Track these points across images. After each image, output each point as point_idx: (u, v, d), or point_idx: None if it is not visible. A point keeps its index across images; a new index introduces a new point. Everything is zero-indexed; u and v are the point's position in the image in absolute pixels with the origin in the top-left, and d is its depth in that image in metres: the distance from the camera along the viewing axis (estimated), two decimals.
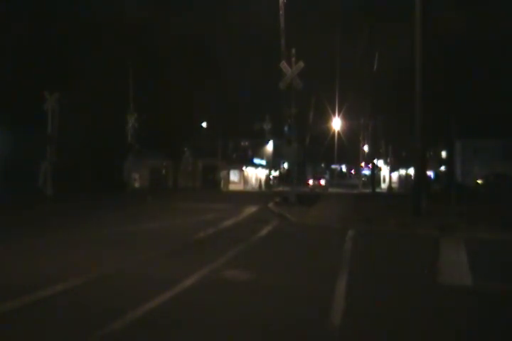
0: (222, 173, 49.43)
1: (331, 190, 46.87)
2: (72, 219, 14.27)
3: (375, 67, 33.04)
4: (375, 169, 46.01)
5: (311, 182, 48.80)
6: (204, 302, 5.47)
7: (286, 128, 21.54)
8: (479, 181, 42.84)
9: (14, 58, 23.98)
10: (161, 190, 37.59)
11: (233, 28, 36.64)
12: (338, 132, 51.12)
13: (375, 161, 43.71)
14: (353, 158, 61.34)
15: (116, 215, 15.52)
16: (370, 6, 33.06)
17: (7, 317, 4.79)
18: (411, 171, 41.28)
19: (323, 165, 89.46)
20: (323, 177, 55.02)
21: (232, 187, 48.94)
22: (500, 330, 4.76)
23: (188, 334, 4.47)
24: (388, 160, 52.29)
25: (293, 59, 19.72)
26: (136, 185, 39.91)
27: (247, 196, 31.91)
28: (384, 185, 55.04)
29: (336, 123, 49.01)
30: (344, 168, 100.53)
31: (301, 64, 19.17)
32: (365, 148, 49.25)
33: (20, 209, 16.76)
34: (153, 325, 4.64)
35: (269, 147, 58.39)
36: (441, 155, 44.23)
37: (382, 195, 36.64)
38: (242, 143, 55.01)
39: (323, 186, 47.18)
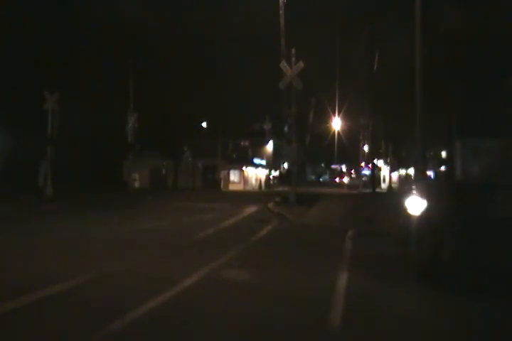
0: (222, 173, 49.43)
1: (331, 190, 47.15)
2: (72, 219, 14.27)
3: (375, 67, 33.01)
4: (375, 169, 45.99)
5: (337, 179, 70.20)
6: (204, 303, 5.47)
7: (286, 128, 21.57)
8: None
9: (14, 58, 23.97)
10: (161, 189, 37.59)
11: (233, 28, 36.62)
12: (338, 132, 51.06)
13: (375, 161, 43.66)
14: (353, 158, 61.54)
15: (116, 215, 15.51)
16: (371, 5, 33.01)
17: (7, 317, 4.80)
18: (411, 171, 41.26)
19: (323, 165, 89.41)
20: (345, 177, 74.50)
21: (232, 187, 48.92)
22: None
23: (187, 335, 4.48)
24: (388, 160, 52.26)
25: (293, 59, 19.73)
26: (136, 184, 39.92)
27: (247, 196, 31.91)
28: (384, 185, 55.00)
29: (336, 123, 48.97)
30: (344, 168, 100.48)
31: (301, 64, 19.17)
32: (365, 148, 49.20)
33: (20, 209, 16.76)
34: (154, 325, 4.64)
35: (269, 147, 58.35)
36: (441, 155, 44.17)
37: (382, 194, 36.63)
38: (242, 143, 54.94)
39: (345, 183, 60.07)
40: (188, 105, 36.41)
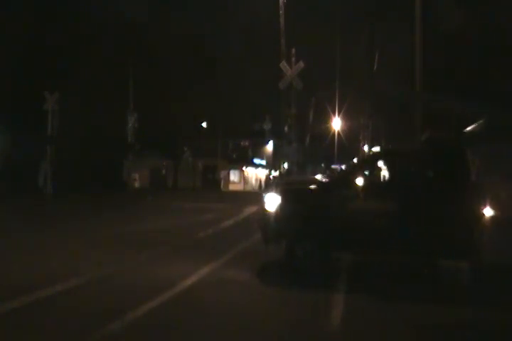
0: (222, 173, 49.43)
1: None
2: (72, 219, 14.25)
3: (375, 67, 32.97)
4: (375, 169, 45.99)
5: None
6: (204, 303, 5.48)
7: (286, 128, 21.58)
8: None
9: (14, 58, 23.97)
10: (161, 189, 37.59)
11: (233, 28, 36.63)
12: (338, 132, 51.07)
13: None
14: (353, 158, 61.36)
15: (116, 215, 15.51)
16: (371, 5, 32.98)
17: (7, 317, 4.79)
18: None
19: (323, 165, 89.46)
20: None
21: (232, 187, 48.93)
22: None
23: (187, 336, 4.48)
24: None
25: (293, 59, 19.73)
26: (136, 184, 39.90)
27: (247, 196, 31.87)
28: None
29: (336, 123, 48.98)
30: (344, 168, 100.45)
31: (301, 64, 19.15)
32: (365, 148, 49.19)
33: (20, 209, 16.75)
34: (153, 326, 4.65)
35: (269, 147, 58.36)
36: None
37: None
38: (242, 143, 54.96)
39: None
40: (188, 105, 36.41)
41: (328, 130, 51.74)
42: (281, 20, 21.55)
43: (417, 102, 14.06)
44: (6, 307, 4.99)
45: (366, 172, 7.28)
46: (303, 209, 6.89)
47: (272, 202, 7.10)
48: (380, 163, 7.37)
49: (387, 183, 7.20)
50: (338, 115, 46.78)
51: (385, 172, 7.46)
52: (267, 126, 53.35)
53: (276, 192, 7.32)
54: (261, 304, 5.46)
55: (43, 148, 22.83)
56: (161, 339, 4.38)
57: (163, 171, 46.25)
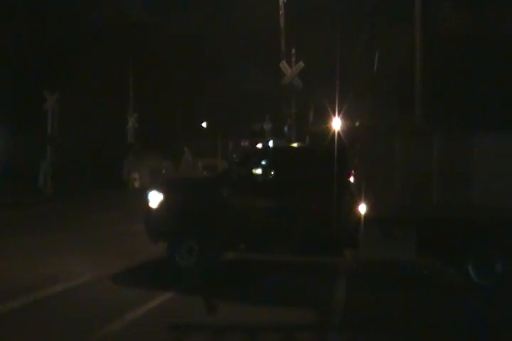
0: None
1: None
2: (71, 219, 14.24)
3: (375, 67, 32.93)
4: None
5: None
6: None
7: (286, 128, 21.56)
8: None
9: (14, 58, 23.95)
10: None
11: (233, 28, 36.58)
12: (338, 132, 51.06)
13: None
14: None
15: (116, 215, 15.48)
16: (371, 5, 32.93)
17: (7, 317, 4.80)
18: None
19: None
20: None
21: None
22: None
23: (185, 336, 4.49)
24: None
25: (293, 59, 19.72)
26: (136, 184, 39.84)
27: None
28: None
29: (336, 123, 48.99)
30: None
31: (301, 64, 19.13)
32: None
33: (20, 209, 16.75)
34: (152, 326, 4.65)
35: None
36: None
37: None
38: (242, 143, 54.85)
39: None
40: (188, 105, 36.40)
41: (328, 130, 51.65)
42: (281, 20, 21.51)
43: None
44: (6, 307, 5.00)
45: (248, 169, 7.21)
46: (183, 207, 6.85)
47: (154, 199, 7.08)
48: (262, 160, 7.35)
49: (266, 181, 7.19)
50: (338, 115, 46.75)
51: (265, 170, 7.42)
52: (266, 126, 53.31)
53: (157, 189, 7.27)
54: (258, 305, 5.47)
55: (43, 148, 22.80)
56: (159, 339, 4.39)
57: (163, 171, 46.20)
